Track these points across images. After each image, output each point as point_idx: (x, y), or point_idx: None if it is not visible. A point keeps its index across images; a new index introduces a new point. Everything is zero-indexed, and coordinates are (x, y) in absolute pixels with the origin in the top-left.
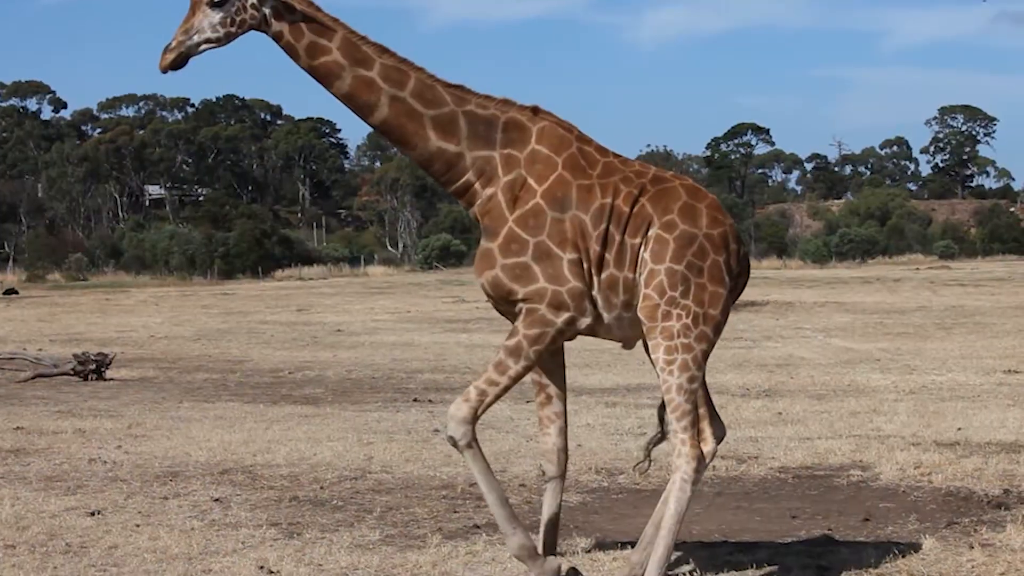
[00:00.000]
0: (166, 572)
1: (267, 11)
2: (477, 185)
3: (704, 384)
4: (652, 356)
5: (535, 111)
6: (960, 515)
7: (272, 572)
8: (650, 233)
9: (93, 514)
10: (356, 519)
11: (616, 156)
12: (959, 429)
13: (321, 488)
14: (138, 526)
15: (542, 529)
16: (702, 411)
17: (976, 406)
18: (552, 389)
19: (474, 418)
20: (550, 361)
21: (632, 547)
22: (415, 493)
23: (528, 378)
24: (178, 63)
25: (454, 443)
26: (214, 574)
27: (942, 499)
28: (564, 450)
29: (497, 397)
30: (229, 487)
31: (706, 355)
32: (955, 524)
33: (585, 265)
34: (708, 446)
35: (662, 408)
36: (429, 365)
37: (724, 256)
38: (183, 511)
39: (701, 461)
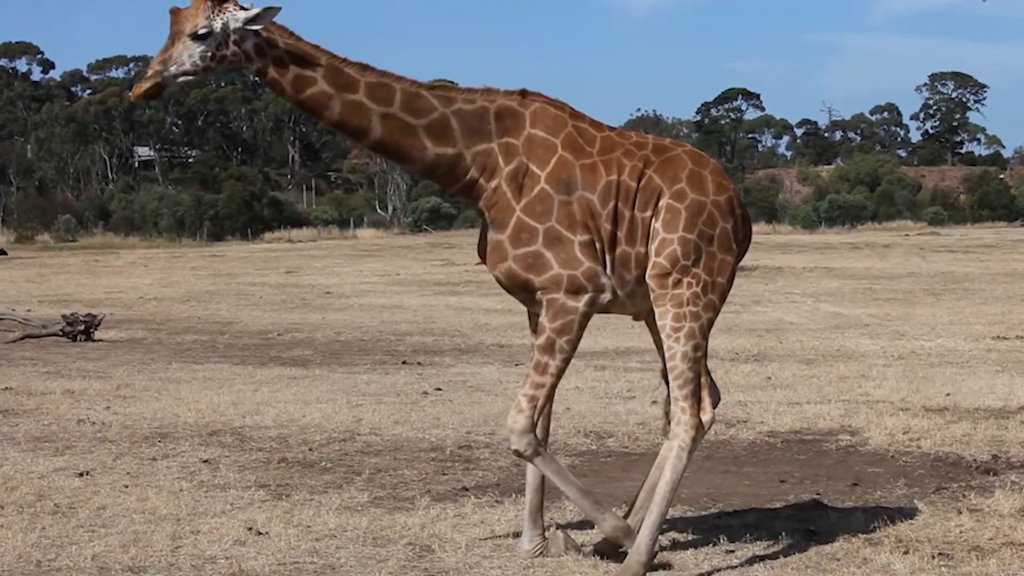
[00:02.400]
0: (154, 533)
1: (250, 48)
2: (481, 180)
3: (705, 353)
4: (658, 322)
5: (523, 94)
6: (948, 480)
7: (260, 533)
8: (660, 203)
9: (81, 475)
10: (345, 481)
11: (611, 129)
12: (948, 395)
13: (310, 450)
14: (126, 487)
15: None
16: (703, 380)
17: (965, 372)
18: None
19: (533, 426)
20: None
21: (624, 510)
22: (404, 455)
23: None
24: (152, 93)
25: (520, 455)
26: (202, 535)
27: (931, 464)
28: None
29: (548, 397)
30: (218, 448)
31: (711, 324)
32: (943, 489)
33: (597, 245)
34: (707, 415)
35: (664, 371)
36: (418, 328)
37: (731, 223)
38: (172, 472)
39: (700, 430)
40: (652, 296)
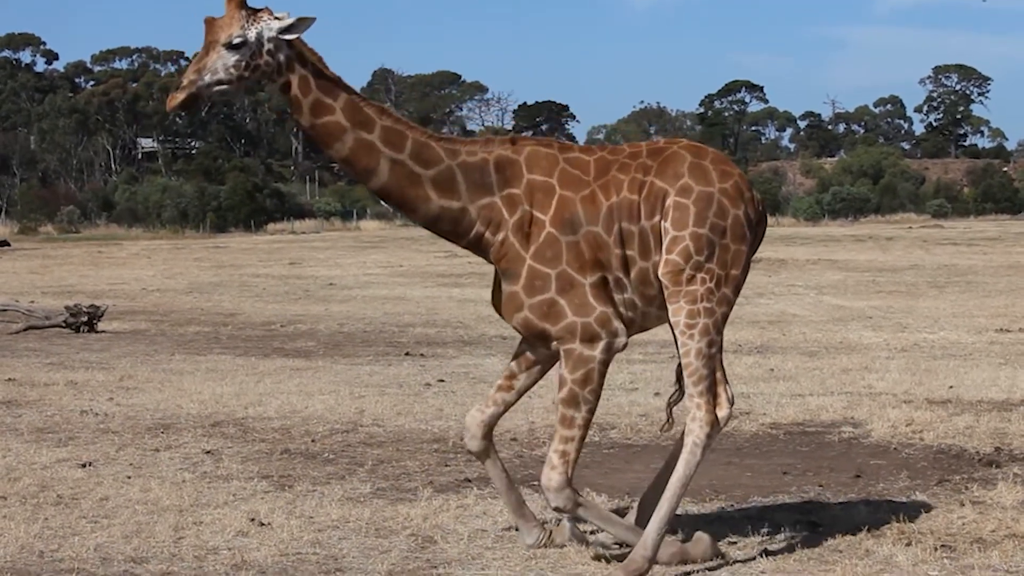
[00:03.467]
0: (157, 524)
1: (282, 59)
2: (487, 234)
3: (720, 348)
4: (671, 319)
5: (513, 142)
6: (951, 472)
7: (263, 524)
8: (667, 203)
9: (84, 466)
10: (347, 472)
11: (601, 148)
12: (951, 387)
13: (312, 441)
14: (129, 478)
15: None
16: (718, 375)
17: (968, 364)
18: (519, 382)
19: (568, 481)
20: (538, 357)
21: (626, 500)
22: (406, 447)
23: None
24: (188, 104)
25: (561, 511)
26: (205, 526)
27: (933, 456)
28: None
29: (579, 450)
30: (220, 439)
31: (726, 318)
32: (946, 481)
33: (610, 277)
34: (723, 411)
35: (680, 368)
36: (421, 319)
37: (742, 208)
38: (174, 463)
39: (715, 426)
40: (666, 293)
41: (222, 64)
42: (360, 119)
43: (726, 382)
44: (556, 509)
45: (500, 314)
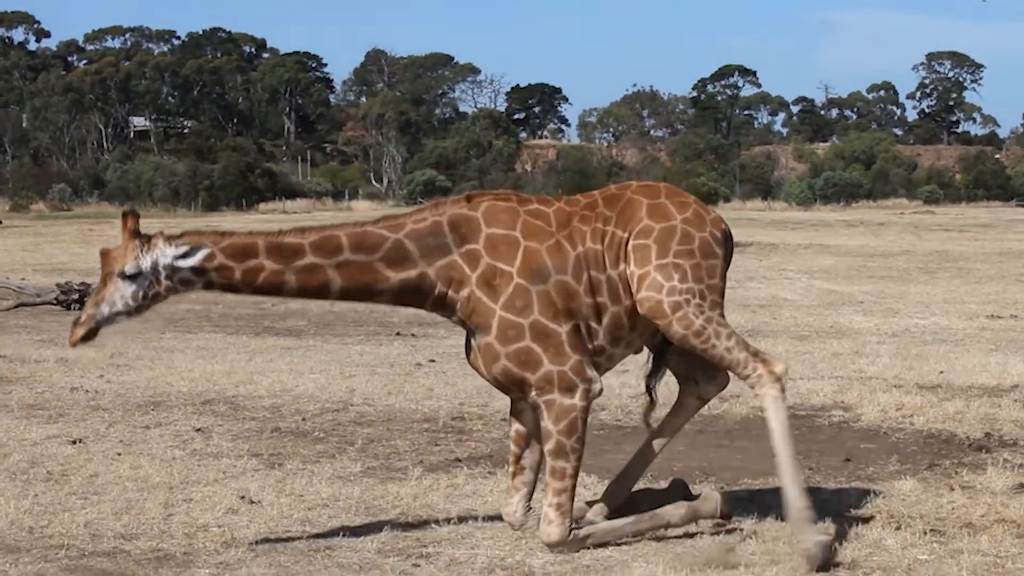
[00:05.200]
0: (147, 501)
1: (185, 277)
2: (450, 293)
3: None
4: (686, 346)
5: (469, 199)
6: (941, 457)
7: (253, 502)
8: (629, 247)
9: (74, 442)
10: (337, 451)
11: (557, 199)
12: (941, 372)
13: (303, 420)
14: (119, 455)
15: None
16: (751, 349)
17: (958, 350)
18: (527, 460)
19: (567, 533)
20: (528, 427)
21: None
22: (397, 426)
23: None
24: (89, 337)
25: (569, 549)
26: (195, 503)
27: (923, 441)
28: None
29: (572, 497)
30: (211, 417)
31: (722, 314)
32: (936, 466)
33: (583, 325)
34: (779, 366)
35: (650, 376)
36: None
37: (707, 230)
38: (165, 440)
39: (780, 378)
40: (661, 326)
41: (119, 296)
42: (287, 253)
43: (723, 370)
44: (561, 553)
45: (477, 371)
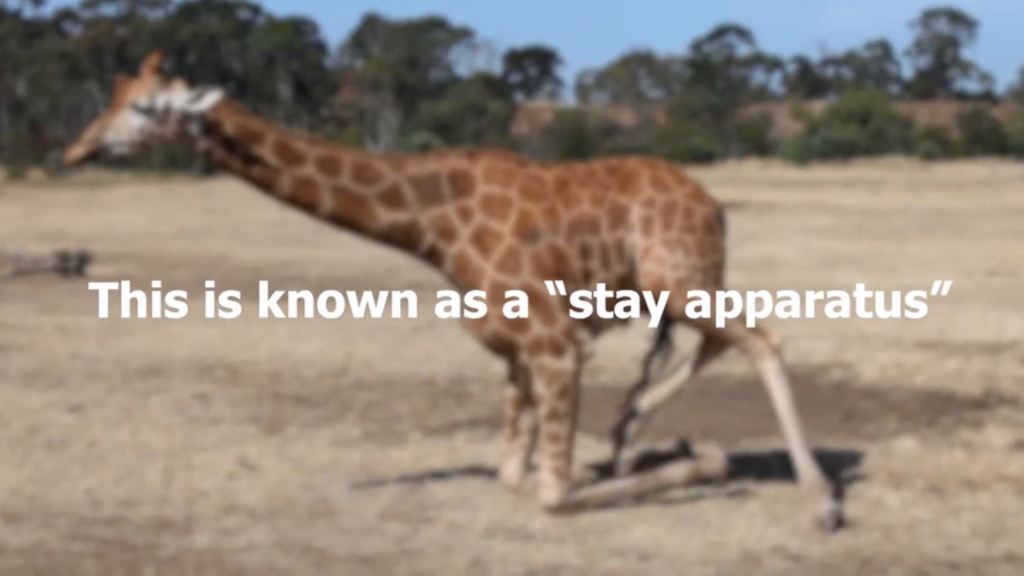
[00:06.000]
0: (147, 467)
1: (192, 130)
2: (439, 245)
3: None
4: (690, 319)
5: (471, 154)
6: (940, 415)
7: (252, 468)
8: (632, 217)
9: (74, 410)
10: (337, 416)
11: (557, 165)
12: (940, 330)
13: (302, 385)
14: (119, 422)
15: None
16: (752, 323)
17: (957, 308)
18: (523, 423)
19: (565, 495)
20: (521, 391)
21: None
22: (396, 390)
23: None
24: (86, 157)
25: (568, 512)
26: (195, 469)
27: (923, 399)
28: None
29: (570, 460)
30: (210, 383)
31: (722, 287)
32: (935, 424)
33: (571, 288)
34: (775, 338)
35: (650, 355)
36: (410, 263)
37: (705, 207)
38: (164, 407)
39: (778, 351)
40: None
41: (125, 126)
42: (290, 157)
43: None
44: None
45: (469, 332)
